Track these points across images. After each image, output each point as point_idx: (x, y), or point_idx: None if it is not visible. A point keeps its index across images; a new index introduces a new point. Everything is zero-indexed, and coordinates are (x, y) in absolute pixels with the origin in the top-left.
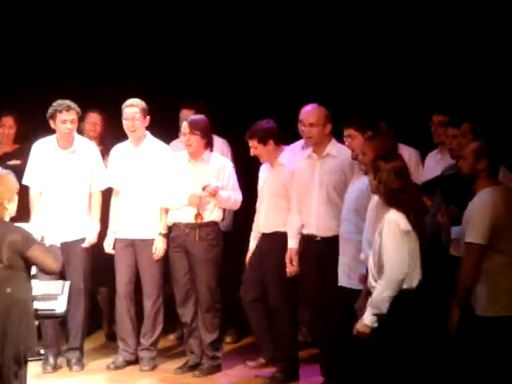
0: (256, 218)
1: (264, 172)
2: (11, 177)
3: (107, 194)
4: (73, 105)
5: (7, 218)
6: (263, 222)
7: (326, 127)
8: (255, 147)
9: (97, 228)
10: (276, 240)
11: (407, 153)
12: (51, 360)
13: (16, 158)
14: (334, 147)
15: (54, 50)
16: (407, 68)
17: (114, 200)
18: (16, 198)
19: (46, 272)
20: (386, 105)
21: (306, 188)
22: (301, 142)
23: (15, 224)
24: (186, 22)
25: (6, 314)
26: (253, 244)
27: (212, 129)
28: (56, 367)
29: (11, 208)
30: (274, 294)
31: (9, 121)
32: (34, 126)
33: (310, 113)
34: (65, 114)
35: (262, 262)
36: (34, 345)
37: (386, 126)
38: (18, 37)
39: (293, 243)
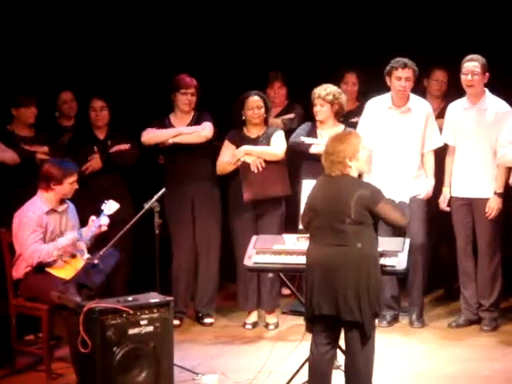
0: None
1: None
2: (354, 135)
3: (441, 151)
4: (409, 62)
5: (354, 175)
6: None
7: None
8: None
9: (432, 181)
10: None
11: None
12: (388, 316)
13: (357, 115)
14: None
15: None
16: None
17: (449, 157)
18: (360, 155)
19: (393, 226)
20: None
21: None
22: None
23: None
24: None
25: (358, 269)
26: None
27: None
28: (392, 322)
29: (355, 165)
30: None
31: (352, 78)
32: (376, 83)
33: None
34: (400, 71)
35: None
36: (381, 300)
37: None
38: None
39: None
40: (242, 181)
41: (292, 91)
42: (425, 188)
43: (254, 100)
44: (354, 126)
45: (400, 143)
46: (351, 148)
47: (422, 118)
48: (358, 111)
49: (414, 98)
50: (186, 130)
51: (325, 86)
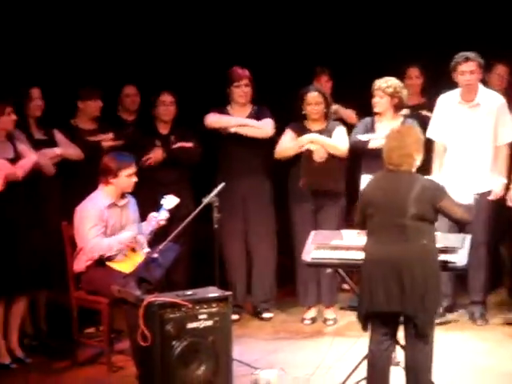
0: None
1: None
2: (416, 128)
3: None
4: (472, 55)
5: (414, 169)
6: None
7: None
8: None
9: (503, 181)
10: None
11: None
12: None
13: (427, 109)
14: None
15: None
16: None
17: None
18: (422, 149)
19: (456, 222)
20: None
21: None
22: None
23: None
24: None
25: (423, 265)
26: None
27: None
28: (444, 314)
29: (419, 159)
30: None
31: (414, 71)
32: (441, 78)
33: None
34: (464, 66)
35: None
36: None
37: None
38: None
39: None
40: (302, 167)
41: (344, 87)
42: (495, 188)
43: (313, 96)
44: (425, 119)
45: (470, 138)
46: (418, 141)
47: (492, 111)
48: (425, 105)
49: (484, 92)
50: (251, 122)
51: (386, 78)
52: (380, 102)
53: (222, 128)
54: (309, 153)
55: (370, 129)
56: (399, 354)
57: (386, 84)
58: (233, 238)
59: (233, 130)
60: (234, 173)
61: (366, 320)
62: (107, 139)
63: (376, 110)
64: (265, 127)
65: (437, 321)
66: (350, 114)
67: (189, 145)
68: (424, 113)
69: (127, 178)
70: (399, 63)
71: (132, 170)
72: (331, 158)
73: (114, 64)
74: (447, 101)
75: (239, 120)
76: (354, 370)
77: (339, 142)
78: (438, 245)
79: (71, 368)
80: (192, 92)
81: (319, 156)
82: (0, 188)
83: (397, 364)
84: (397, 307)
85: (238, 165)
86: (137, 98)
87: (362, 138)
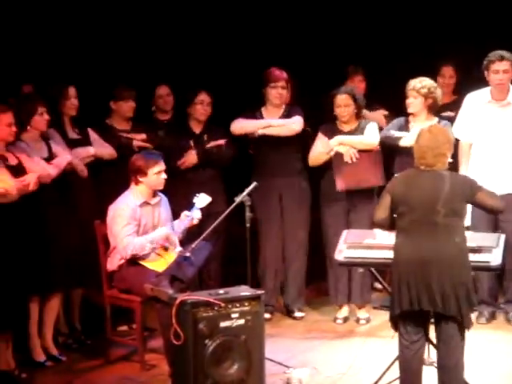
0: None
1: None
2: (448, 128)
3: None
4: (507, 55)
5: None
6: None
7: None
8: None
9: None
10: None
11: None
12: (485, 313)
13: (451, 109)
14: None
15: None
16: None
17: None
18: (453, 148)
19: (492, 212)
20: None
21: None
22: None
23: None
24: None
25: (457, 263)
26: None
27: None
28: (490, 319)
29: (449, 158)
30: None
31: (449, 71)
32: (471, 77)
33: None
34: (497, 64)
35: None
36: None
37: None
38: None
39: None
40: (335, 170)
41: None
42: None
43: (342, 98)
44: (448, 120)
45: (500, 137)
46: (450, 141)
47: None
48: (453, 105)
49: None
50: (275, 122)
51: (420, 78)
52: (414, 103)
53: (248, 133)
54: (339, 156)
55: (404, 128)
56: (432, 354)
57: (420, 84)
58: (268, 237)
59: (260, 132)
60: (269, 172)
61: (396, 319)
62: (139, 139)
63: (410, 110)
64: (289, 124)
65: (481, 321)
66: (378, 117)
67: (221, 142)
68: (447, 114)
69: (156, 175)
70: (432, 61)
71: (160, 167)
72: (364, 156)
73: (149, 62)
74: (475, 100)
75: (264, 122)
76: (386, 370)
77: (368, 136)
78: (473, 244)
79: (104, 366)
80: (222, 92)
81: (349, 157)
82: (34, 187)
83: (431, 364)
84: (429, 306)
85: (273, 164)
86: (169, 98)
87: (396, 133)
